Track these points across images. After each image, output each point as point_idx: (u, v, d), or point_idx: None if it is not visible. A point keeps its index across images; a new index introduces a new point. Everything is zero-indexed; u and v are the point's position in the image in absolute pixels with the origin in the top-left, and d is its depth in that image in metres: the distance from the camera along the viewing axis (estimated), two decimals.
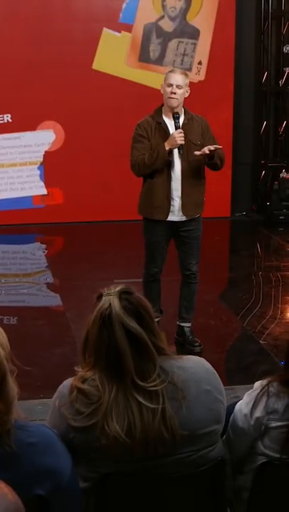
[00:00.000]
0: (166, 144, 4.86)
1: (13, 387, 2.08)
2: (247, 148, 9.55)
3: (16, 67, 8.52)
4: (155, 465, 2.29)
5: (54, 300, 6.62)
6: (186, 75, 4.98)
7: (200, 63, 8.99)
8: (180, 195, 4.99)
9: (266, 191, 9.41)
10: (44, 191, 8.98)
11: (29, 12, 8.51)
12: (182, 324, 5.26)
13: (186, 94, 4.94)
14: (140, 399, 2.23)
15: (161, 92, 4.98)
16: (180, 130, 4.86)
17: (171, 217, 5.04)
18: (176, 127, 4.89)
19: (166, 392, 2.26)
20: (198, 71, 8.96)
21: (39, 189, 8.98)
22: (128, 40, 8.82)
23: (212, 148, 4.79)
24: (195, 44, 8.96)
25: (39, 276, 7.33)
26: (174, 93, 4.84)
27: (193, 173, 4.99)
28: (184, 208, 5.01)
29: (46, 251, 8.35)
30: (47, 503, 2.09)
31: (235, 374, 4.78)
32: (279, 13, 9.23)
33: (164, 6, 8.81)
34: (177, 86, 4.84)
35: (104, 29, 8.76)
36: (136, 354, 2.24)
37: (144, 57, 8.91)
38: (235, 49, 9.10)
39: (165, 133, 4.94)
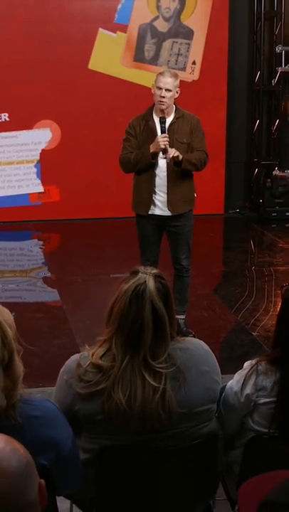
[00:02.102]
0: (150, 146, 5.00)
1: (19, 365, 2.23)
2: (240, 146, 9.67)
3: (13, 67, 8.64)
4: (152, 438, 2.44)
5: (51, 294, 6.75)
6: (175, 76, 5.06)
7: (194, 63, 9.11)
8: (166, 191, 5.13)
9: (259, 189, 9.54)
10: (41, 189, 9.09)
11: (26, 13, 8.61)
12: (176, 316, 5.39)
13: (176, 95, 5.06)
14: (146, 375, 2.39)
15: (152, 92, 5.12)
16: (164, 134, 4.99)
17: (156, 212, 5.18)
18: (162, 131, 5.02)
19: (169, 375, 2.42)
20: (192, 71, 9.09)
21: (36, 187, 9.09)
22: (123, 40, 8.94)
23: (172, 155, 4.90)
24: (189, 44, 9.09)
25: (36, 272, 7.45)
26: (163, 97, 4.97)
27: (179, 171, 5.11)
28: (170, 204, 5.15)
29: (43, 247, 8.48)
30: (50, 472, 2.25)
31: (228, 364, 4.90)
32: (271, 13, 9.35)
33: (158, 7, 8.93)
34: (166, 90, 4.97)
35: (100, 29, 8.87)
36: (154, 333, 2.40)
37: (139, 57, 9.02)
38: (228, 49, 9.21)
39: (152, 132, 5.08)
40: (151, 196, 5.15)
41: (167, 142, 4.95)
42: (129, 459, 2.48)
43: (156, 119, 5.09)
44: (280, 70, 9.30)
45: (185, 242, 5.31)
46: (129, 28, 8.91)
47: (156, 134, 5.04)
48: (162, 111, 5.04)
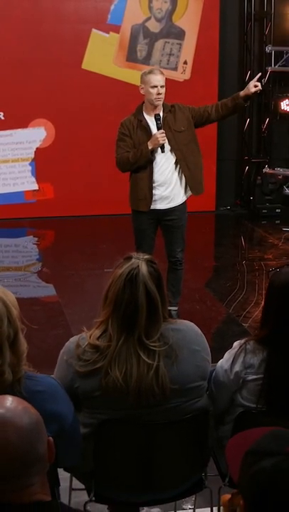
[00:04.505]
0: (148, 143, 5.18)
1: (23, 342, 2.40)
2: (231, 144, 9.82)
3: (8, 67, 8.77)
4: (147, 412, 2.61)
5: (47, 288, 6.88)
6: (162, 73, 5.29)
7: (185, 63, 9.26)
8: (164, 186, 5.30)
9: (250, 186, 9.71)
10: (35, 186, 9.23)
11: (21, 14, 8.74)
12: (169, 308, 5.54)
13: None
14: (140, 353, 2.56)
15: (142, 92, 5.27)
16: (162, 131, 5.17)
17: (157, 206, 5.35)
18: (158, 128, 5.20)
19: (162, 353, 2.58)
20: (184, 70, 9.24)
21: (31, 184, 9.22)
22: (116, 40, 9.08)
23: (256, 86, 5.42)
24: (180, 44, 9.24)
25: (32, 268, 7.58)
26: (160, 93, 5.17)
27: (190, 156, 5.32)
28: (169, 198, 5.32)
29: (38, 244, 8.62)
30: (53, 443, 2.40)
31: (219, 353, 5.05)
32: (261, 14, 9.50)
33: (150, 8, 9.08)
34: (161, 86, 5.17)
35: (93, 30, 9.01)
36: (148, 314, 2.56)
37: (131, 57, 9.16)
38: (219, 49, 9.36)
39: (146, 130, 5.25)
40: (152, 192, 5.31)
41: (165, 137, 5.12)
42: (126, 432, 2.64)
43: (148, 117, 5.26)
44: (270, 69, 9.46)
45: (180, 235, 5.48)
46: (122, 28, 9.05)
47: (150, 132, 5.21)
48: (155, 108, 5.21)
